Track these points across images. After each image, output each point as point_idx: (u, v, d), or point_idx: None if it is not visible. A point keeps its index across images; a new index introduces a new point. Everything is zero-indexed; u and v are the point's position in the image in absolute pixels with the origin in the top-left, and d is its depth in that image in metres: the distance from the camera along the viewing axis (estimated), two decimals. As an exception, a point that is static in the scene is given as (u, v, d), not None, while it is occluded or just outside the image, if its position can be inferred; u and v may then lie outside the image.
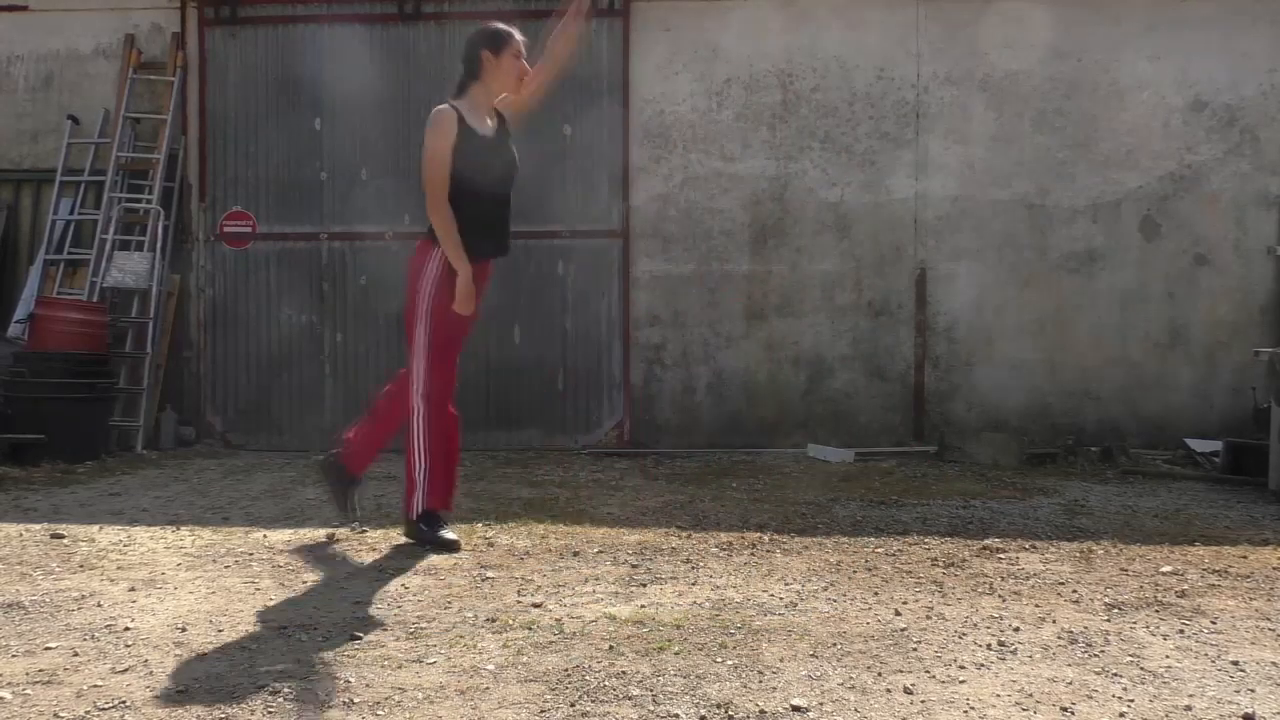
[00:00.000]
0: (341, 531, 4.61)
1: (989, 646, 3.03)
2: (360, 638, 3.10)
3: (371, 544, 4.38)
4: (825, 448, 7.10)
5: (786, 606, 3.44)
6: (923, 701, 2.60)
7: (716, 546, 4.33)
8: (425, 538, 4.26)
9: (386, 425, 4.48)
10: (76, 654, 2.96)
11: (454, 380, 4.36)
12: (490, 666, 2.84)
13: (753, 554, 4.21)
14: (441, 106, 4.24)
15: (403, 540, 4.39)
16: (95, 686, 2.70)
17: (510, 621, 3.26)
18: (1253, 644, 3.08)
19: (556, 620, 3.27)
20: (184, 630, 3.18)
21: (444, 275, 4.18)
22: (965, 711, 2.54)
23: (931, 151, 7.58)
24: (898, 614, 3.35)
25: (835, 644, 3.04)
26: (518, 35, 4.28)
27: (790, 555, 4.20)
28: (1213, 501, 5.52)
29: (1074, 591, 3.65)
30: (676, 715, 2.50)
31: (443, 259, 4.17)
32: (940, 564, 4.05)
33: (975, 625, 3.25)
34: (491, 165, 4.25)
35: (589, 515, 5.02)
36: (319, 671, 2.80)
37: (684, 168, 7.68)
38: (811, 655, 2.94)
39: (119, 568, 3.99)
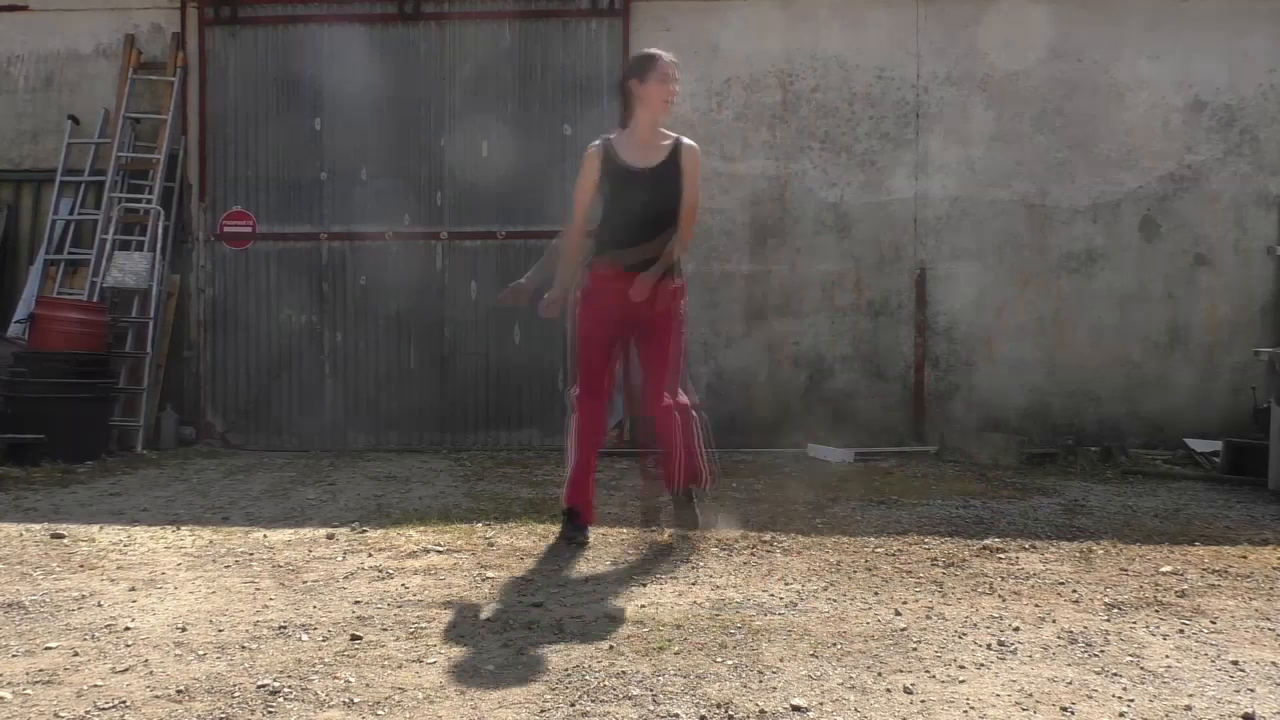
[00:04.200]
0: (341, 531, 4.62)
1: (989, 646, 3.03)
2: (360, 638, 3.09)
3: (372, 544, 4.38)
4: (825, 448, 7.10)
5: (786, 606, 3.44)
6: (923, 701, 2.60)
7: (716, 546, 4.33)
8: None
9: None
10: (76, 654, 2.96)
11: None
12: (490, 666, 2.84)
13: (753, 554, 4.21)
14: (593, 142, 4.38)
15: (405, 540, 4.39)
16: (95, 686, 2.70)
17: (510, 621, 3.26)
18: (1253, 644, 3.08)
19: (556, 620, 3.27)
20: (184, 630, 3.18)
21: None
22: (965, 711, 2.54)
23: (931, 151, 7.58)
24: (898, 614, 3.35)
25: (835, 644, 3.04)
26: (665, 57, 4.30)
27: (790, 555, 4.20)
28: (1213, 501, 5.51)
29: (1074, 591, 3.65)
30: (676, 715, 2.50)
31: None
32: (940, 564, 4.05)
33: (975, 625, 3.24)
34: (632, 195, 4.31)
35: (589, 515, 5.01)
36: (319, 671, 2.80)
37: (684, 168, 7.67)
38: (811, 655, 2.94)
39: (119, 568, 3.99)
